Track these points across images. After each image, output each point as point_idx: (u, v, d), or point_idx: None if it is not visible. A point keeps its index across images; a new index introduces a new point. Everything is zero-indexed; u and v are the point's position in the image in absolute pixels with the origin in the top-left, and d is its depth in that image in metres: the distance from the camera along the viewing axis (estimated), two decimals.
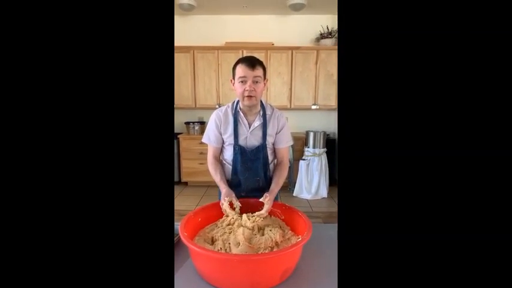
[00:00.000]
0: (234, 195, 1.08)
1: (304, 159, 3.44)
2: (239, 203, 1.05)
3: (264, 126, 1.18)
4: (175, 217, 1.10)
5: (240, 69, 1.09)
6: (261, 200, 1.06)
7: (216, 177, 1.17)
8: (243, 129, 1.18)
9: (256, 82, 1.09)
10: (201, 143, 3.88)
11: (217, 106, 3.69)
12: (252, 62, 1.08)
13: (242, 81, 1.09)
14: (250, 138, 1.18)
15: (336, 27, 3.66)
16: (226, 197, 1.05)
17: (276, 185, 1.15)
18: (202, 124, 3.83)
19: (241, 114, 1.18)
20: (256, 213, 1.02)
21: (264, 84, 1.13)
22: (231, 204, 1.04)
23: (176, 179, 3.73)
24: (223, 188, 1.11)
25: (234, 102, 1.22)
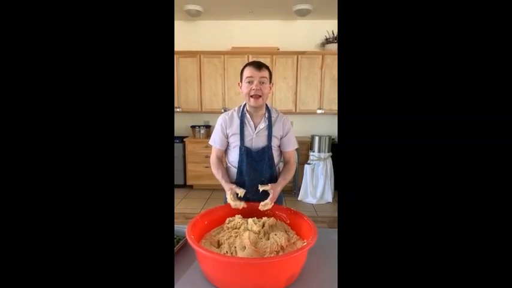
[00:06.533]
0: (234, 185, 1.15)
1: (309, 164, 3.44)
2: (242, 189, 1.12)
3: (269, 127, 1.22)
4: (181, 220, 1.12)
5: (248, 71, 1.16)
6: (263, 188, 1.13)
7: (218, 175, 1.23)
8: (249, 131, 1.22)
9: (263, 83, 1.15)
10: (207, 146, 3.88)
11: (223, 110, 3.72)
12: (258, 64, 1.16)
13: (249, 82, 1.15)
14: (256, 139, 1.22)
15: None
16: (229, 190, 1.12)
17: (283, 179, 1.21)
18: (208, 128, 3.87)
19: (248, 116, 1.23)
20: (262, 203, 1.09)
21: (270, 87, 1.19)
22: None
23: (182, 182, 3.76)
24: (225, 183, 1.18)
25: (240, 106, 1.26)
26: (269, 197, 1.10)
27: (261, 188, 1.14)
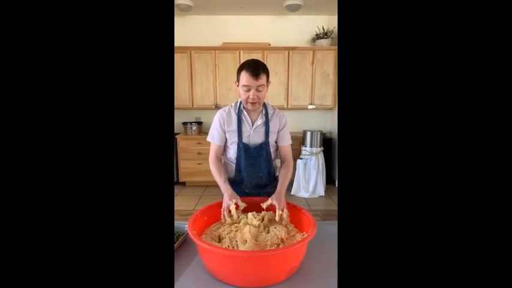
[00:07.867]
0: (239, 197, 1.08)
1: (301, 159, 3.48)
2: (244, 204, 1.07)
3: (267, 124, 1.23)
4: (176, 217, 1.12)
5: (245, 78, 1.11)
6: (267, 204, 1.08)
7: (220, 179, 1.16)
8: (246, 127, 1.23)
9: (260, 91, 1.13)
10: (199, 143, 3.82)
11: (214, 106, 3.70)
12: (256, 71, 1.10)
13: (246, 90, 1.13)
14: (253, 135, 1.23)
15: (331, 27, 3.70)
16: (232, 199, 1.05)
17: (281, 186, 1.16)
18: (200, 124, 3.84)
19: (245, 113, 1.23)
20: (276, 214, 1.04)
21: (267, 87, 1.18)
22: (237, 208, 1.05)
23: (174, 179, 3.73)
24: (228, 190, 1.10)
25: (237, 102, 1.26)
26: (277, 212, 1.04)
27: (264, 206, 1.08)
